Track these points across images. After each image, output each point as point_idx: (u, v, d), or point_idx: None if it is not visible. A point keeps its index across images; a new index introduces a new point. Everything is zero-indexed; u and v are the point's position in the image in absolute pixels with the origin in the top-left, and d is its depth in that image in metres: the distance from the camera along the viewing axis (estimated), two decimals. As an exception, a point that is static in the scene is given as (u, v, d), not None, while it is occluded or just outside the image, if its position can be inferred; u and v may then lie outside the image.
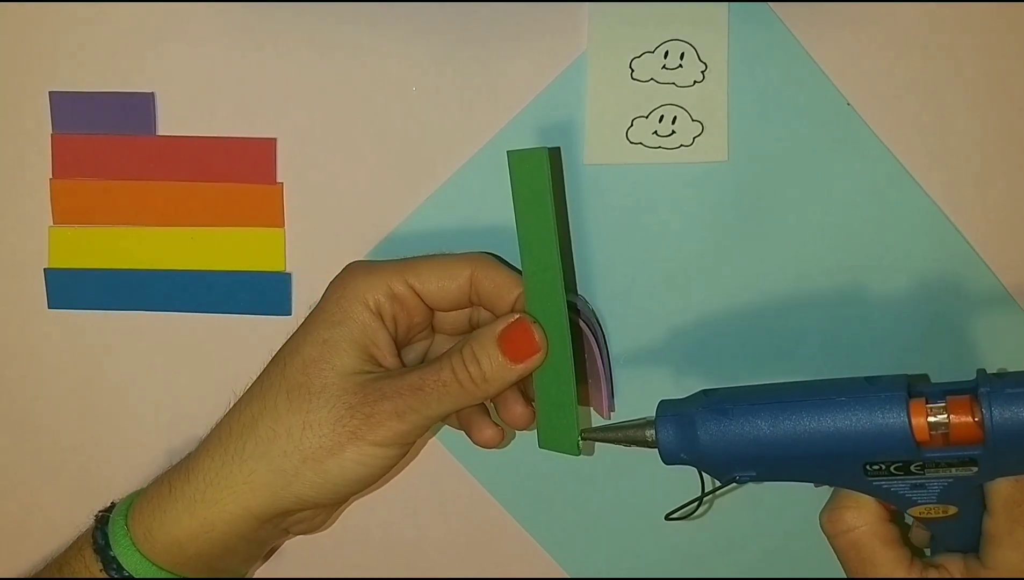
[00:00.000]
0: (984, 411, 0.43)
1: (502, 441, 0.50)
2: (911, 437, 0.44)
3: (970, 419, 0.44)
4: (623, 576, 0.57)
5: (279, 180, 0.54)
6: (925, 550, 0.52)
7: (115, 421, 0.57)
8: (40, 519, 0.58)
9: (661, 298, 0.54)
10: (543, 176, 0.46)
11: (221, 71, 0.53)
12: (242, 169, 0.54)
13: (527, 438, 0.54)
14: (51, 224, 0.55)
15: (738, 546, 0.57)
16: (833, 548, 0.49)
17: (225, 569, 0.49)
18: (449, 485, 0.56)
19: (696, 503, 0.49)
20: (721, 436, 0.46)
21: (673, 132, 0.53)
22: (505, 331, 0.47)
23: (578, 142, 0.53)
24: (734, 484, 0.47)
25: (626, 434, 0.48)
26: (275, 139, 0.54)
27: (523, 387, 0.50)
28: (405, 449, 0.47)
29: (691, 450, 0.47)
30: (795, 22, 0.52)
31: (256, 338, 0.55)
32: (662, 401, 0.49)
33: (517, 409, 0.49)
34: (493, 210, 0.54)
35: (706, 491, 0.48)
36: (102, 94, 0.54)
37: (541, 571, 0.57)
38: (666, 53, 0.52)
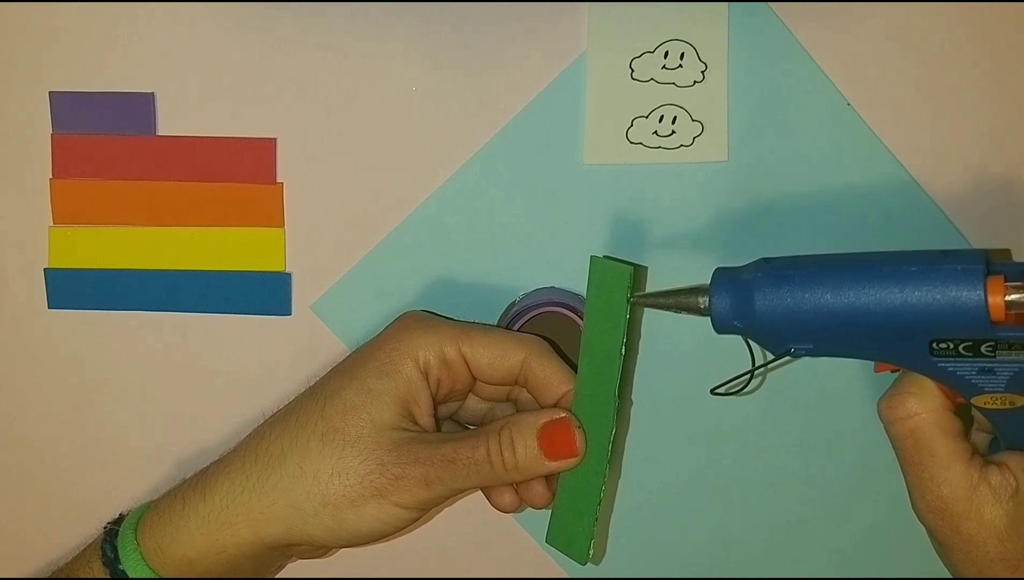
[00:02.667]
0: None
1: (519, 509, 0.50)
2: (986, 313, 0.42)
3: None
4: (623, 576, 0.57)
5: (279, 180, 0.54)
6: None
7: (115, 421, 0.57)
8: (40, 519, 0.57)
9: (661, 298, 0.54)
10: (622, 291, 0.46)
11: (221, 71, 0.53)
12: (242, 169, 0.54)
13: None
14: (51, 224, 0.55)
15: (736, 542, 0.57)
16: (889, 437, 0.47)
17: None
18: (449, 485, 0.56)
19: (748, 377, 0.47)
20: (779, 303, 0.43)
21: (673, 132, 0.53)
22: (548, 426, 0.47)
23: (578, 142, 0.53)
24: (788, 358, 0.44)
25: (677, 300, 0.46)
26: (275, 139, 0.54)
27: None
28: (422, 514, 0.47)
29: (746, 317, 0.44)
30: (795, 22, 0.52)
31: (256, 338, 0.55)
32: (718, 268, 0.46)
33: (539, 490, 0.49)
34: (493, 210, 0.54)
35: (757, 365, 0.46)
36: (102, 94, 0.54)
37: (541, 571, 0.57)
38: (666, 53, 0.52)
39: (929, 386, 0.45)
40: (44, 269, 0.55)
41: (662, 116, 0.53)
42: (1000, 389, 0.44)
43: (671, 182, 0.53)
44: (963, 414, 0.47)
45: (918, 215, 0.54)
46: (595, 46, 0.52)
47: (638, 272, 0.46)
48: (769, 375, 0.54)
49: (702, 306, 0.45)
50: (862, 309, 0.42)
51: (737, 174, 0.53)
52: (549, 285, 0.54)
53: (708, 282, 0.46)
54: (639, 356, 0.55)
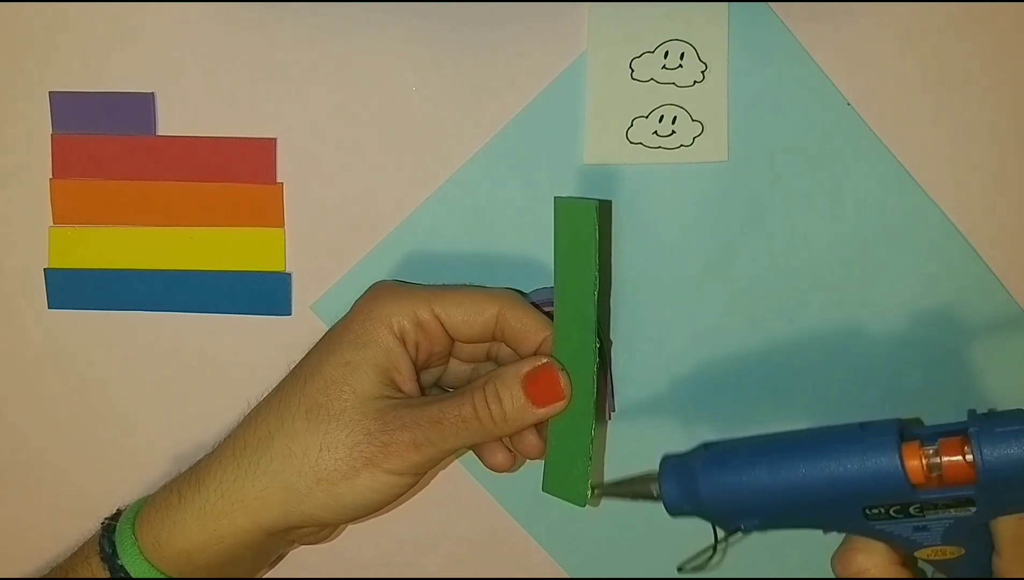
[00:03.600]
0: (975, 451, 0.44)
1: (513, 466, 0.50)
2: (905, 480, 0.45)
3: (961, 459, 0.44)
4: (623, 576, 0.57)
5: (279, 180, 0.54)
6: None
7: (115, 421, 0.57)
8: (40, 520, 0.57)
9: (661, 297, 0.54)
10: (589, 230, 0.46)
11: (221, 71, 0.53)
12: (242, 169, 0.54)
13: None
14: (51, 224, 0.55)
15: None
16: None
17: (232, 576, 0.49)
18: (449, 485, 0.56)
19: (710, 553, 0.50)
20: (721, 487, 0.47)
21: (673, 132, 0.53)
22: (531, 373, 0.47)
23: (578, 142, 0.53)
24: (739, 534, 0.48)
25: (632, 489, 0.49)
26: (275, 139, 0.54)
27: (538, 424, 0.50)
28: (417, 478, 0.47)
29: (694, 502, 0.48)
30: (795, 22, 0.52)
31: (256, 338, 0.55)
32: (665, 456, 0.50)
33: (531, 439, 0.49)
34: (493, 210, 0.54)
35: (718, 540, 0.49)
36: (102, 94, 0.54)
37: (541, 571, 0.57)
38: (666, 53, 0.52)
39: (876, 543, 0.47)
40: (44, 269, 0.55)
41: (662, 116, 0.53)
42: (938, 543, 0.46)
43: (671, 182, 0.53)
44: (912, 563, 0.49)
45: (918, 215, 0.54)
46: (595, 46, 0.52)
47: (602, 206, 0.46)
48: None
49: (655, 494, 0.49)
50: (796, 485, 0.46)
51: (737, 174, 0.53)
52: (549, 285, 0.54)
53: (657, 468, 0.49)
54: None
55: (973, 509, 0.45)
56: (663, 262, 0.54)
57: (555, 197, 0.48)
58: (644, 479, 0.49)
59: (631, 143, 0.53)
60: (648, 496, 0.49)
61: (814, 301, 0.54)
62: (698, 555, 0.50)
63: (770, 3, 0.52)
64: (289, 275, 0.55)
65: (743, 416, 0.55)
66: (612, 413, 0.54)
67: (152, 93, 0.54)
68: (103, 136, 0.54)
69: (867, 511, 0.46)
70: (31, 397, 0.57)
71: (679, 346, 0.55)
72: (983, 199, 0.54)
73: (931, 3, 0.52)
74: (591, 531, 0.57)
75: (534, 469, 0.56)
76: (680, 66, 0.52)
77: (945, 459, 0.45)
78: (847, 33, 0.52)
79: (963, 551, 0.47)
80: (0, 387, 0.56)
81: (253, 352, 0.55)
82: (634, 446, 0.55)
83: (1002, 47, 0.53)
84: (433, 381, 0.52)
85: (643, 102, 0.53)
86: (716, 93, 0.53)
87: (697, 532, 0.50)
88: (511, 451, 0.50)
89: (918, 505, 0.45)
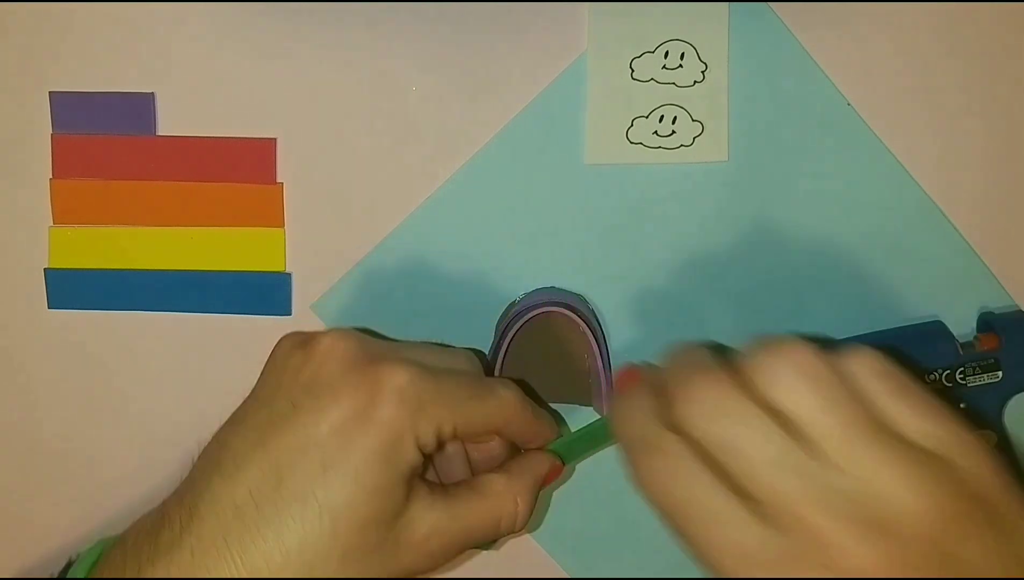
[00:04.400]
0: (996, 323, 0.53)
1: None
2: (952, 340, 0.52)
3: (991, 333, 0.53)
4: (623, 576, 0.57)
5: (279, 180, 0.54)
6: None
7: (115, 421, 0.57)
8: (39, 520, 0.57)
9: (661, 297, 0.54)
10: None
11: (221, 71, 0.53)
12: (242, 169, 0.54)
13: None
14: (51, 224, 0.55)
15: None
16: None
17: None
18: (449, 485, 0.56)
19: None
20: None
21: (673, 132, 0.53)
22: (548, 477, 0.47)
23: (578, 142, 0.53)
24: None
25: None
26: (275, 139, 0.54)
27: None
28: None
29: None
30: (795, 22, 0.52)
31: (256, 338, 0.55)
32: None
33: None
34: (493, 210, 0.54)
35: None
36: (102, 94, 0.54)
37: (541, 571, 0.57)
38: (666, 53, 0.52)
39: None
40: (44, 269, 0.55)
41: (662, 116, 0.53)
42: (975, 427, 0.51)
43: (671, 182, 0.53)
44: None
45: (917, 215, 0.54)
46: (595, 46, 0.52)
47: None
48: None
49: None
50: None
51: (737, 174, 0.53)
52: (549, 285, 0.54)
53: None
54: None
55: (1000, 373, 0.52)
56: (663, 262, 0.54)
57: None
58: None
59: (631, 143, 0.53)
60: None
61: (814, 301, 0.54)
62: None
63: (770, 3, 0.52)
64: (289, 275, 0.55)
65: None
66: None
67: (152, 93, 0.54)
68: (103, 136, 0.54)
69: (926, 379, 0.51)
70: (31, 397, 0.57)
71: (677, 340, 0.55)
72: (983, 199, 0.54)
73: (931, 3, 0.52)
74: (591, 531, 0.57)
75: (534, 469, 0.56)
76: (680, 66, 0.52)
77: (978, 336, 0.53)
78: (847, 33, 0.53)
79: (995, 438, 0.52)
80: (0, 387, 0.56)
81: (253, 352, 0.55)
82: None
83: (1002, 47, 0.53)
84: None
85: (643, 102, 0.53)
86: (716, 93, 0.53)
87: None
88: None
89: (961, 369, 0.51)
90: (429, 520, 0.41)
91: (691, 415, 0.37)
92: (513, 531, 0.44)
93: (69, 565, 0.43)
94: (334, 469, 0.38)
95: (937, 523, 0.33)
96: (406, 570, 0.41)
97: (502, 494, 0.44)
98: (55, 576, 0.43)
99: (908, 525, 0.33)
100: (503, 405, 0.44)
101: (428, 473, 0.46)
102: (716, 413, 0.36)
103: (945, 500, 0.34)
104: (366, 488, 0.39)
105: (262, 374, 0.43)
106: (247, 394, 0.54)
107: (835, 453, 0.34)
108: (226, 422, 0.43)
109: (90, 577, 0.41)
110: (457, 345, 0.51)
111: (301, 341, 0.42)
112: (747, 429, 0.35)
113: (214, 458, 0.41)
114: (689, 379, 0.38)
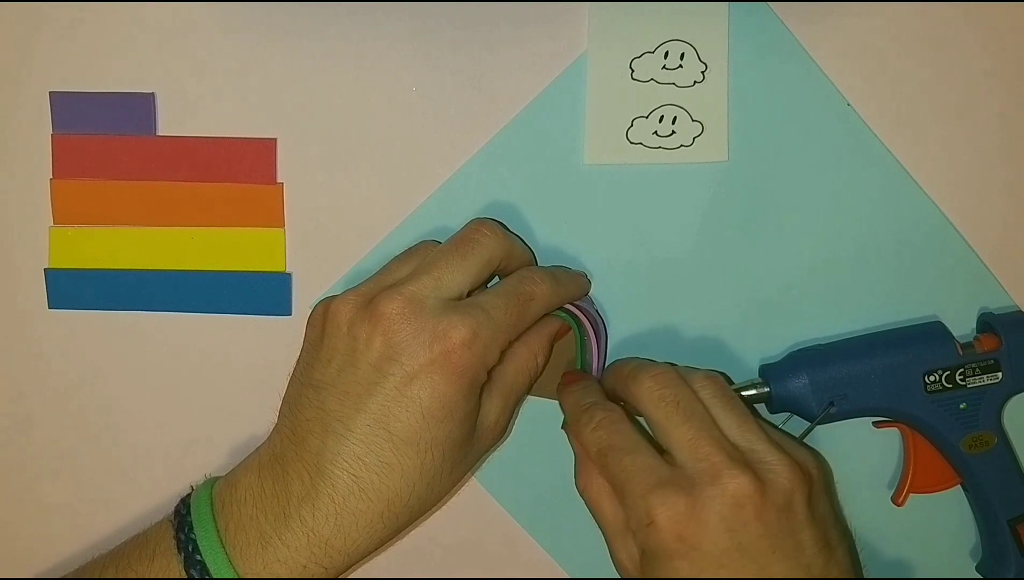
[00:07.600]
0: (995, 324, 0.53)
1: None
2: (953, 343, 0.52)
3: (990, 333, 0.53)
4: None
5: (279, 180, 0.54)
6: None
7: (115, 421, 0.57)
8: (39, 519, 0.57)
9: (661, 297, 0.54)
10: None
11: (221, 71, 0.53)
12: (242, 169, 0.54)
13: (528, 438, 0.54)
14: (51, 224, 0.55)
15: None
16: None
17: None
18: (449, 485, 0.56)
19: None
20: (821, 369, 0.52)
21: (673, 132, 0.53)
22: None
23: (578, 142, 0.53)
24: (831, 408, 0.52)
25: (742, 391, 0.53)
26: (275, 139, 0.54)
27: None
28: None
29: (800, 389, 0.53)
30: (795, 22, 0.52)
31: (256, 338, 0.55)
32: (762, 365, 0.54)
33: None
34: (493, 210, 0.54)
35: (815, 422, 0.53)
36: (102, 94, 0.54)
37: (541, 571, 0.57)
38: (666, 53, 0.52)
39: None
40: (44, 269, 0.55)
41: (662, 116, 0.53)
42: (976, 427, 0.53)
43: (671, 182, 0.54)
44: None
45: (917, 215, 0.54)
46: (595, 46, 0.52)
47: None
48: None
49: (766, 391, 0.53)
50: (867, 351, 0.53)
51: (737, 174, 0.53)
52: (549, 285, 0.54)
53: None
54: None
55: (1000, 374, 0.52)
56: (663, 262, 0.54)
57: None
58: (750, 385, 0.53)
59: (631, 143, 0.53)
60: (761, 398, 0.53)
61: (814, 301, 0.54)
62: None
63: (770, 3, 0.52)
64: (289, 275, 0.55)
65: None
66: None
67: (152, 93, 0.54)
68: (103, 136, 0.54)
69: (926, 379, 0.52)
70: (31, 397, 0.57)
71: (678, 346, 0.55)
72: (983, 199, 0.54)
73: (931, 3, 0.52)
74: (591, 531, 0.57)
75: (533, 469, 0.56)
76: (680, 66, 0.52)
77: (979, 336, 0.53)
78: (847, 33, 0.53)
79: (996, 439, 0.53)
80: (0, 387, 0.56)
81: (253, 352, 0.55)
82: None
83: (1002, 47, 0.53)
84: None
85: (643, 102, 0.53)
86: (716, 93, 0.53)
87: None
88: None
89: (962, 370, 0.52)
90: (495, 407, 0.49)
91: (622, 390, 0.50)
92: (538, 376, 0.51)
93: (184, 511, 0.48)
94: (432, 415, 0.46)
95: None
96: (487, 448, 0.50)
97: (527, 357, 0.51)
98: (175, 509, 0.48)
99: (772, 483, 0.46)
100: (540, 304, 0.50)
101: None
102: (641, 391, 0.49)
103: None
104: (457, 419, 0.47)
105: (326, 339, 0.48)
106: (247, 393, 0.54)
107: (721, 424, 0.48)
108: (306, 385, 0.48)
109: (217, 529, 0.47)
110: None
111: (358, 309, 0.47)
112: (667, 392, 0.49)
113: (319, 420, 0.47)
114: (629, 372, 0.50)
